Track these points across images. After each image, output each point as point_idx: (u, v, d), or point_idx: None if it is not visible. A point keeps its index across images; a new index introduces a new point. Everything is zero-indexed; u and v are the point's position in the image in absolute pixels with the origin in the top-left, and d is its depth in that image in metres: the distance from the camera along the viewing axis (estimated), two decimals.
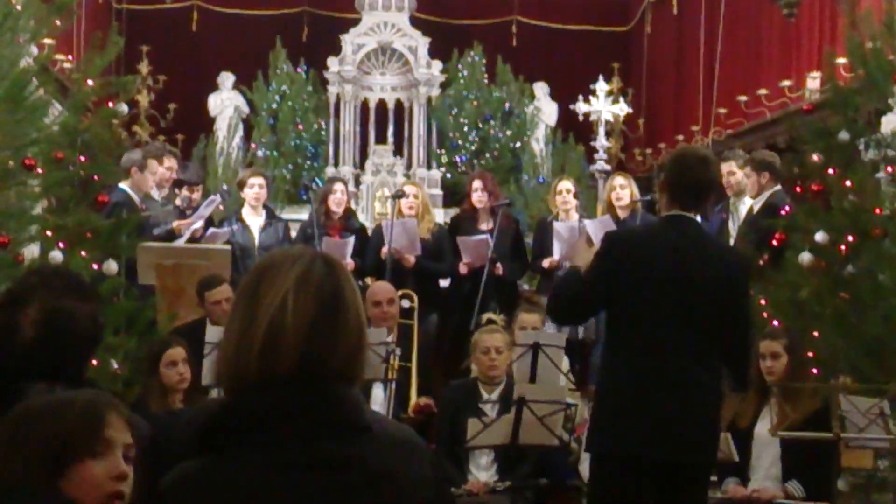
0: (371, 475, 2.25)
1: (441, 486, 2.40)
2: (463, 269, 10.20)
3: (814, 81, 11.36)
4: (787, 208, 8.68)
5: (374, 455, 2.27)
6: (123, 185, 9.58)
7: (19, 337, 3.33)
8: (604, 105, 14.23)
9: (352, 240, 10.32)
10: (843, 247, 7.65)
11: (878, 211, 7.60)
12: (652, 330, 5.24)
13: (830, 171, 7.87)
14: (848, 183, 7.75)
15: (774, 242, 8.39)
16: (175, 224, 9.96)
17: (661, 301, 5.25)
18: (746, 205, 9.82)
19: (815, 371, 7.26)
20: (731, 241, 9.56)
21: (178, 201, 10.75)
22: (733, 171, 10.16)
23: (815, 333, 7.55)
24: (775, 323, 7.70)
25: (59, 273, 3.72)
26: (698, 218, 5.71)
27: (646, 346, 5.25)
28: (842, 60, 8.93)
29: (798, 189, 8.41)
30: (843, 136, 7.84)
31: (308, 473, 2.22)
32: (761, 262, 8.42)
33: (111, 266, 7.88)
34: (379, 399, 8.11)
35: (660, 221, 5.71)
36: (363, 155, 14.92)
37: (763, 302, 8.18)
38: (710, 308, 5.26)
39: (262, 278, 2.31)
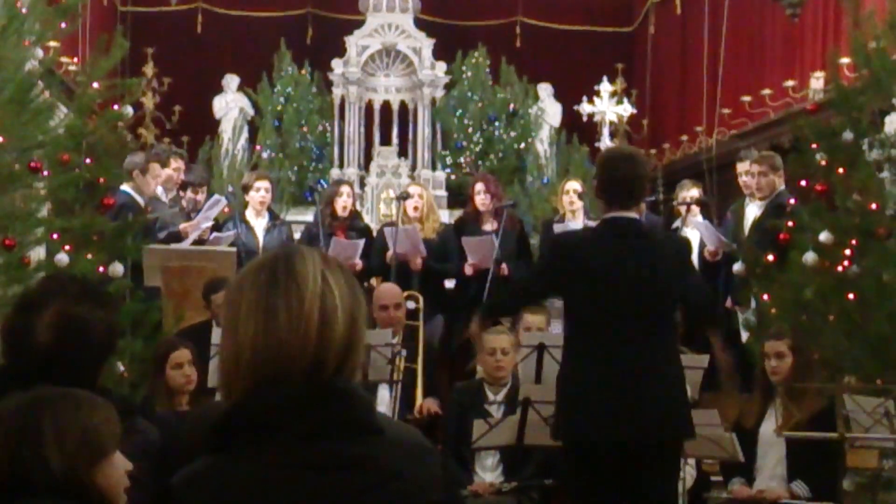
0: (381, 475, 2.26)
1: (451, 487, 2.41)
2: (468, 270, 10.21)
3: (817, 81, 11.35)
4: (792, 201, 8.70)
5: (384, 455, 2.27)
6: (126, 188, 9.58)
7: (34, 341, 3.35)
8: (608, 106, 14.24)
9: (362, 242, 10.33)
10: (847, 247, 7.65)
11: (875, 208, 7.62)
12: (603, 327, 5.55)
13: (834, 170, 7.88)
14: (849, 179, 7.77)
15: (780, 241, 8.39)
16: (182, 227, 9.97)
17: (608, 299, 5.55)
18: (753, 206, 9.80)
19: (819, 371, 7.26)
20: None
21: (183, 202, 10.76)
22: (751, 171, 10.10)
23: (820, 333, 7.56)
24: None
25: (76, 280, 3.74)
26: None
27: (599, 342, 5.54)
28: (845, 60, 8.95)
29: (800, 190, 8.42)
30: (847, 135, 7.85)
31: (318, 473, 2.22)
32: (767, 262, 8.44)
33: (117, 268, 7.90)
34: (385, 400, 8.12)
35: (600, 224, 5.91)
36: (368, 156, 14.92)
37: (766, 298, 8.20)
38: (657, 298, 5.57)
39: (291, 259, 2.30)
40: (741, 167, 10.38)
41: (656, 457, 5.51)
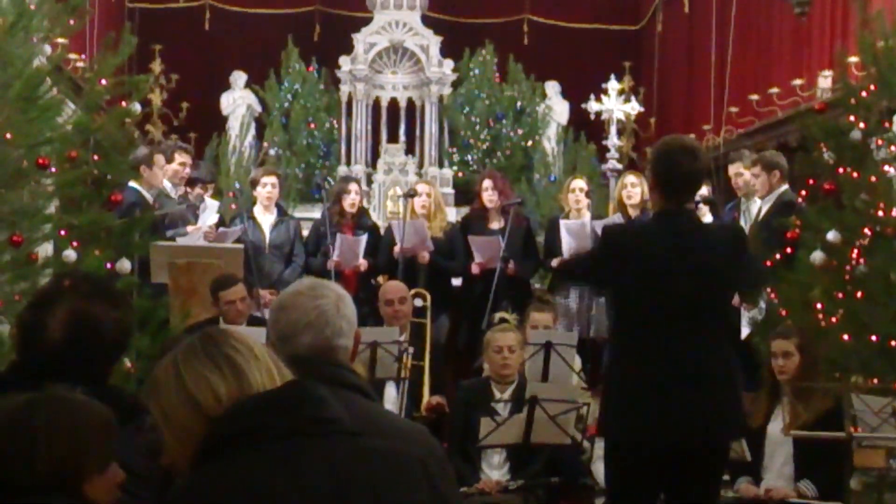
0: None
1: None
2: (475, 269, 10.21)
3: (825, 80, 11.35)
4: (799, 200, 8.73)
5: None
6: (134, 184, 9.57)
7: (45, 337, 3.36)
8: (615, 104, 14.20)
9: (365, 237, 10.36)
10: (855, 247, 7.65)
11: (882, 207, 7.61)
12: (658, 324, 5.28)
13: (842, 169, 7.87)
14: (857, 178, 7.76)
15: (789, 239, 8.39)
16: (189, 229, 9.97)
17: (664, 295, 5.26)
18: (757, 205, 9.82)
19: (827, 370, 7.26)
20: None
21: (191, 198, 10.76)
22: (740, 173, 10.19)
23: (827, 332, 7.55)
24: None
25: (89, 278, 3.75)
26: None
27: (649, 339, 5.29)
28: (853, 59, 8.93)
29: (807, 189, 8.43)
30: (855, 134, 7.84)
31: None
32: (774, 261, 8.44)
33: (124, 265, 7.90)
34: (392, 397, 8.13)
35: (655, 217, 5.66)
36: (375, 154, 14.94)
37: (774, 298, 8.20)
38: (711, 293, 5.32)
39: (176, 364, 2.49)
40: (732, 169, 10.42)
41: (703, 460, 5.30)
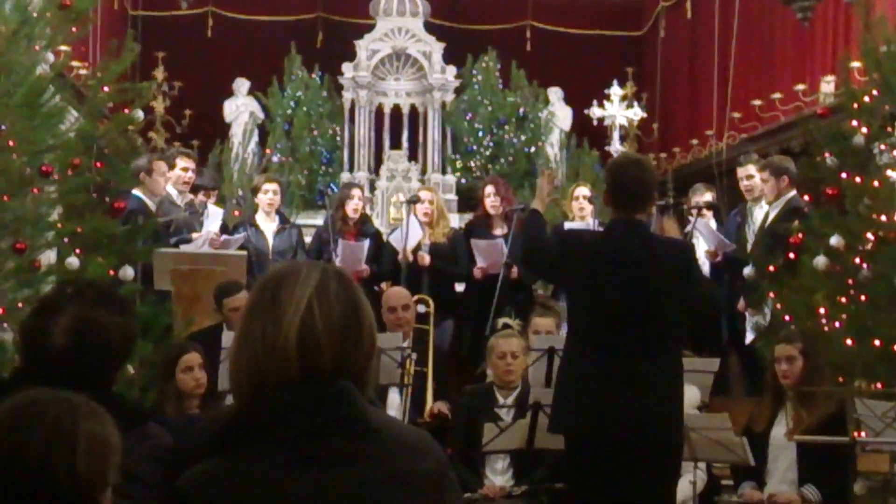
0: (381, 472, 2.31)
1: (447, 484, 2.45)
2: (477, 273, 10.21)
3: (828, 85, 11.34)
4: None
5: (384, 452, 2.33)
6: (136, 192, 9.58)
7: (49, 344, 3.35)
8: (618, 110, 14.23)
9: (366, 242, 10.36)
10: (859, 249, 7.65)
11: (885, 212, 7.61)
12: (600, 329, 5.63)
13: (845, 175, 7.87)
14: (860, 183, 7.76)
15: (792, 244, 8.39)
16: (193, 236, 9.98)
17: (606, 303, 5.62)
18: (763, 210, 9.80)
19: (830, 375, 7.25)
20: (749, 246, 9.53)
21: (196, 204, 10.76)
22: (752, 175, 10.12)
23: (831, 337, 7.55)
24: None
25: (93, 285, 3.74)
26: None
27: (593, 341, 5.65)
28: (856, 64, 8.94)
29: (810, 194, 8.44)
30: (858, 139, 7.84)
31: (317, 468, 2.27)
32: (777, 266, 8.44)
33: (127, 272, 7.90)
34: (395, 404, 8.13)
35: (607, 226, 6.06)
36: (378, 160, 14.92)
37: (779, 305, 8.20)
38: (654, 301, 5.61)
39: (280, 285, 2.35)
40: (742, 171, 10.40)
41: (644, 459, 5.52)
